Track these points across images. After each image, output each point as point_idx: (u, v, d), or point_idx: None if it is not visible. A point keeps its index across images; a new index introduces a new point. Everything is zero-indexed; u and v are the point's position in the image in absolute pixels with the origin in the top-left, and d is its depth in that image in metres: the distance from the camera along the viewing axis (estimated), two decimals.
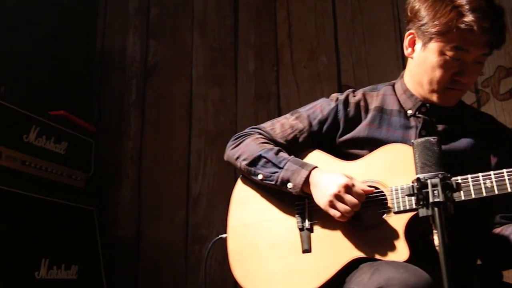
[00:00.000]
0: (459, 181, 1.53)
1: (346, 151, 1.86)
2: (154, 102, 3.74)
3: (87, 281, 3.04)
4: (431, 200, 1.27)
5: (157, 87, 3.76)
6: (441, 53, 1.69)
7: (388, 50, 3.24)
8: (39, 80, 3.41)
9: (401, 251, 1.58)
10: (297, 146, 1.90)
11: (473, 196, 1.52)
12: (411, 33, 1.80)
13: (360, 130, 1.84)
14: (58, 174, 3.05)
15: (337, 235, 1.71)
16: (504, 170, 1.51)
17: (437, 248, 1.24)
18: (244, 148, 1.89)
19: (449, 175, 1.31)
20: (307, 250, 1.74)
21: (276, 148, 1.85)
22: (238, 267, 1.84)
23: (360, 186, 1.67)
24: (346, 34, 3.38)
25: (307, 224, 1.77)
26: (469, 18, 1.61)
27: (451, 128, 1.80)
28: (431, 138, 1.36)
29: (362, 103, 1.90)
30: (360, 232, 1.68)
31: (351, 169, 1.77)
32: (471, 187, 1.53)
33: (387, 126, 1.83)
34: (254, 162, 1.84)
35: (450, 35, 1.65)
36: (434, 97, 1.77)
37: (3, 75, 3.12)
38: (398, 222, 1.62)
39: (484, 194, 1.52)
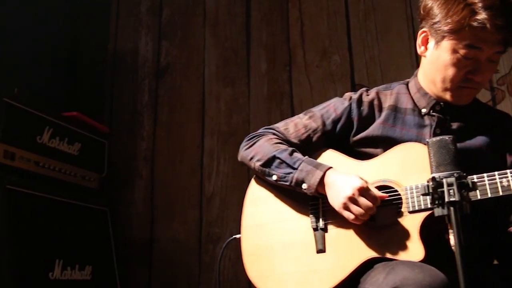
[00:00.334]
0: (475, 180, 1.51)
1: (360, 150, 1.85)
2: (167, 102, 3.75)
3: (101, 282, 3.05)
4: (446, 199, 1.26)
5: (169, 87, 3.77)
6: (454, 51, 1.67)
7: (402, 49, 3.22)
8: (52, 81, 3.43)
9: (416, 251, 1.56)
10: (310, 146, 1.90)
11: (489, 195, 1.51)
12: (424, 31, 1.79)
13: (374, 129, 1.83)
14: (72, 175, 3.06)
15: (352, 235, 1.70)
16: None
17: (453, 247, 1.23)
18: (258, 149, 1.89)
19: (464, 174, 1.30)
20: (321, 250, 1.73)
21: (290, 149, 1.84)
22: (252, 267, 1.84)
23: (375, 191, 1.66)
24: (359, 33, 3.36)
25: (321, 224, 1.76)
26: (482, 16, 1.59)
27: (466, 126, 1.78)
28: (446, 137, 1.34)
29: (375, 102, 1.89)
30: (375, 232, 1.66)
31: (365, 168, 1.76)
32: (487, 186, 1.51)
33: (401, 125, 1.81)
34: (268, 163, 1.84)
35: (462, 33, 1.64)
36: (448, 96, 1.75)
37: (16, 77, 3.15)
38: (413, 221, 1.61)
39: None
